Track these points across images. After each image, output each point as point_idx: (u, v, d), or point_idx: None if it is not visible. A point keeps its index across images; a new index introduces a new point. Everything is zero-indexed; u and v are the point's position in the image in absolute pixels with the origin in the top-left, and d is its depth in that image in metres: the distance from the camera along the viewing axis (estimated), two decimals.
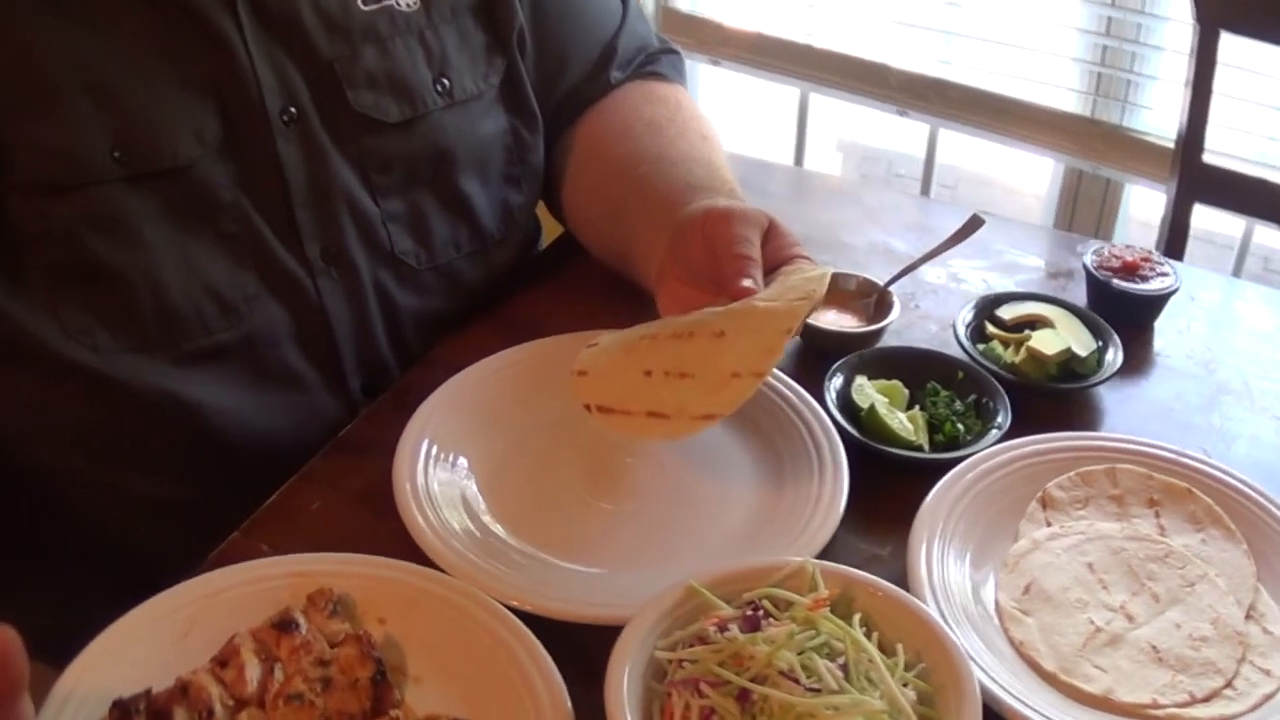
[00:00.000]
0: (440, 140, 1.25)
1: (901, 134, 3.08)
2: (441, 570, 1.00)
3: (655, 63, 1.47)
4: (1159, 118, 2.42)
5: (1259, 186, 1.97)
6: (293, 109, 1.13)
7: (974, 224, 1.37)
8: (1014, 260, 1.51)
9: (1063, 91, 2.53)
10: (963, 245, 1.38)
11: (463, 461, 1.14)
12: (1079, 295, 1.41)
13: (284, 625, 0.92)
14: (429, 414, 1.16)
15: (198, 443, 1.16)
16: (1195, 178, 1.98)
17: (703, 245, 1.12)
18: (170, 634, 0.93)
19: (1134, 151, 2.43)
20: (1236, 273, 2.44)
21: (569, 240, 1.49)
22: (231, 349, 1.15)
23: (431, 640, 0.95)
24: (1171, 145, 2.34)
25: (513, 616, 0.95)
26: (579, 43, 1.40)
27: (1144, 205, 2.64)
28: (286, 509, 1.11)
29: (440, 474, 1.12)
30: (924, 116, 2.73)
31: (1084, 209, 2.61)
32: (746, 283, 1.05)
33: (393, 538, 1.05)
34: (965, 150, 2.97)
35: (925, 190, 2.91)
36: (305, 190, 1.15)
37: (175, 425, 1.14)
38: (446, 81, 1.24)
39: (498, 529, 1.08)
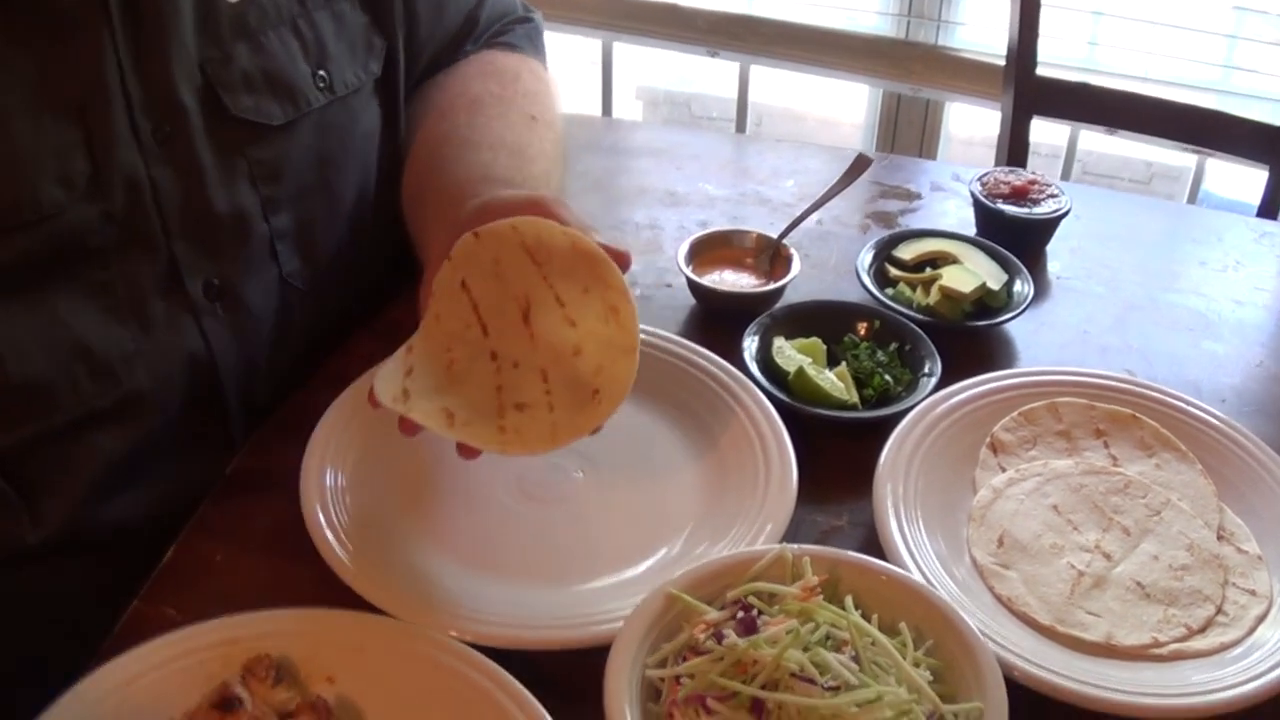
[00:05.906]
0: (325, 140, 1.12)
1: (704, 74, 3.03)
2: (384, 613, 0.90)
3: (508, 32, 1.35)
4: (975, 33, 2.42)
5: (1096, 94, 1.97)
6: (166, 126, 0.97)
7: (861, 164, 1.32)
8: (885, 194, 1.47)
9: (875, 16, 2.52)
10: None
11: (376, 485, 1.04)
12: (953, 221, 1.38)
13: (225, 704, 0.81)
14: (326, 439, 1.05)
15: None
16: (1030, 92, 1.97)
17: None
18: None
19: (954, 70, 2.43)
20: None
21: None
22: (109, 414, 0.98)
23: (391, 693, 0.85)
24: (990, 59, 2.37)
25: (475, 652, 0.86)
26: (447, 10, 1.28)
27: (964, 122, 2.65)
28: (187, 566, 0.99)
29: (354, 503, 1.01)
30: (735, 55, 2.68)
31: (905, 132, 2.61)
32: None
33: (316, 582, 0.94)
34: (773, 85, 2.93)
35: (740, 128, 2.87)
36: (181, 218, 1.00)
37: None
38: (325, 74, 1.11)
39: (434, 556, 0.98)
